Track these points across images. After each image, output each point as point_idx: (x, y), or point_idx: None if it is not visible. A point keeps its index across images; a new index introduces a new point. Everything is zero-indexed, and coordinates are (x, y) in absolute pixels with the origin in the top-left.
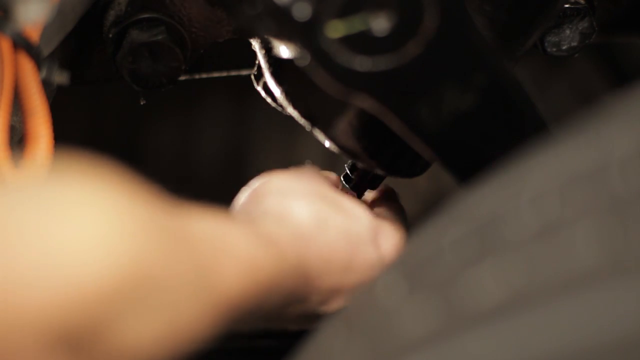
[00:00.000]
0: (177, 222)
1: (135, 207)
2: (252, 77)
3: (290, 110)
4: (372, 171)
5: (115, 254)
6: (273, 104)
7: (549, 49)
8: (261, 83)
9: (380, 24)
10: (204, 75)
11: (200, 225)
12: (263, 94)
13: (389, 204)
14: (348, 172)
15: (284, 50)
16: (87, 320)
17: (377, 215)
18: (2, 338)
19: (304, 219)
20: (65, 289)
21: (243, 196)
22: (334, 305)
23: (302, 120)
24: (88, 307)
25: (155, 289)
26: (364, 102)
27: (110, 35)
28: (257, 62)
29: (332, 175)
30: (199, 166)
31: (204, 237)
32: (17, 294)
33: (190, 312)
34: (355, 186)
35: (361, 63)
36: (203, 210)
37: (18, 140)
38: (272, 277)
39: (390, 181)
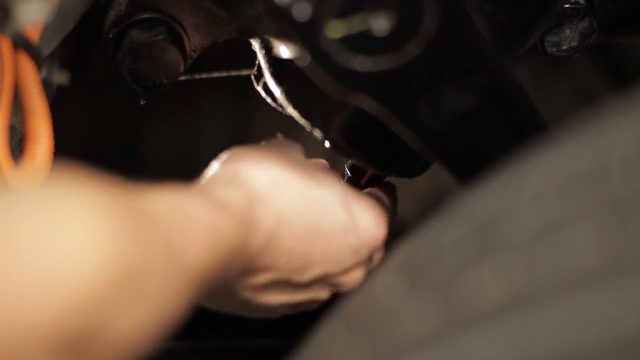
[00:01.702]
0: (142, 206)
1: (107, 204)
2: (252, 77)
3: (290, 110)
4: (372, 171)
5: (101, 255)
6: (273, 104)
7: (549, 49)
8: (261, 83)
9: (380, 24)
10: (204, 75)
11: (160, 203)
12: (263, 94)
13: (380, 186)
14: (348, 172)
15: (284, 50)
16: (85, 322)
17: (359, 191)
18: (7, 348)
19: (255, 181)
20: (62, 295)
21: (211, 169)
22: (309, 274)
23: (302, 120)
24: (84, 310)
25: (138, 278)
26: (364, 102)
27: (110, 35)
28: (257, 62)
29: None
30: (199, 166)
31: (167, 215)
32: (17, 305)
33: (168, 292)
34: (355, 186)
35: (361, 63)
36: (157, 188)
37: (18, 140)
38: (233, 242)
39: (390, 181)
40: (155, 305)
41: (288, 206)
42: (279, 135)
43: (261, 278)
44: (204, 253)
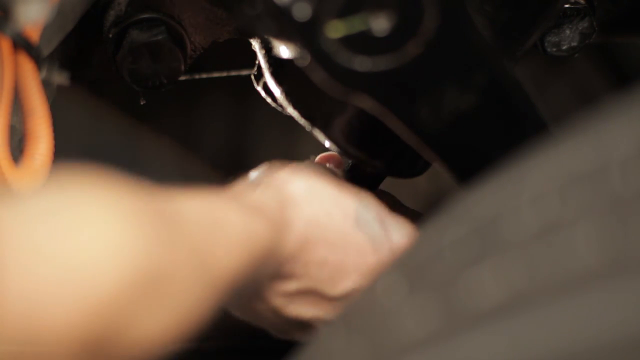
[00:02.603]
0: (170, 209)
1: (132, 206)
2: (252, 77)
3: (290, 111)
4: (372, 171)
5: (126, 259)
6: (273, 104)
7: (549, 49)
8: (261, 83)
9: (380, 24)
10: (204, 75)
11: (190, 207)
12: (263, 94)
13: (402, 207)
14: (348, 172)
15: (284, 50)
16: (110, 324)
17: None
18: (37, 351)
19: (289, 185)
20: (85, 300)
21: (248, 176)
22: (340, 287)
23: (302, 121)
24: (108, 313)
25: (163, 282)
26: (364, 103)
27: (110, 35)
28: (257, 62)
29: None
30: (199, 166)
31: (196, 219)
32: (46, 310)
33: (193, 296)
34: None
35: (361, 63)
36: (190, 192)
37: (18, 140)
38: (264, 245)
39: (390, 181)
40: (179, 309)
41: (322, 212)
42: (312, 157)
43: (292, 285)
44: (233, 257)
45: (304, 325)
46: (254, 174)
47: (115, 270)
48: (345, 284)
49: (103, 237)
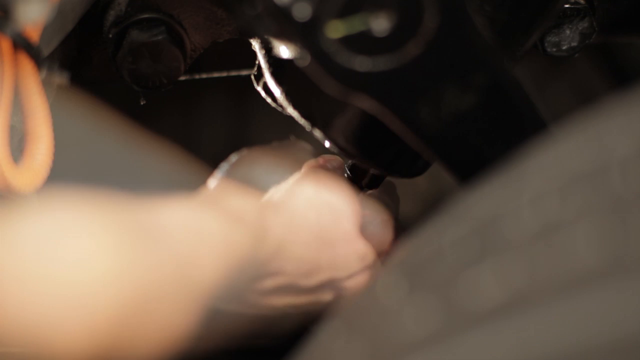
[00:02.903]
0: (153, 224)
1: (116, 230)
2: (252, 77)
3: (290, 111)
4: (372, 171)
5: (116, 280)
6: (273, 104)
7: (549, 49)
8: (261, 83)
9: (380, 24)
10: (204, 75)
11: (173, 220)
12: (263, 94)
13: (381, 192)
14: (348, 172)
15: (284, 50)
16: (103, 343)
17: (364, 197)
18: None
19: (266, 189)
20: (80, 326)
21: (220, 171)
22: (315, 279)
23: (302, 121)
24: (102, 336)
25: (151, 296)
26: (364, 103)
27: (110, 35)
28: (257, 62)
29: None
30: (199, 166)
31: (179, 232)
32: (47, 335)
33: (179, 306)
34: (355, 186)
35: (361, 63)
36: (171, 201)
37: (18, 140)
38: (244, 252)
39: (390, 180)
40: (167, 320)
41: (298, 214)
42: (292, 137)
43: (269, 283)
44: (215, 266)
45: (278, 309)
46: (224, 166)
47: (107, 292)
48: (320, 276)
49: (91, 260)
